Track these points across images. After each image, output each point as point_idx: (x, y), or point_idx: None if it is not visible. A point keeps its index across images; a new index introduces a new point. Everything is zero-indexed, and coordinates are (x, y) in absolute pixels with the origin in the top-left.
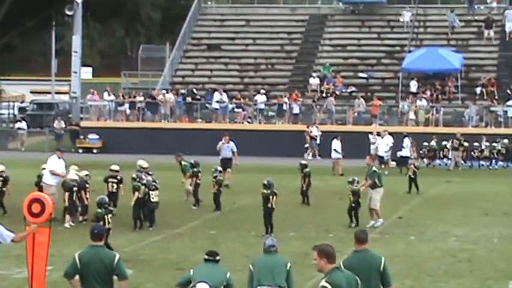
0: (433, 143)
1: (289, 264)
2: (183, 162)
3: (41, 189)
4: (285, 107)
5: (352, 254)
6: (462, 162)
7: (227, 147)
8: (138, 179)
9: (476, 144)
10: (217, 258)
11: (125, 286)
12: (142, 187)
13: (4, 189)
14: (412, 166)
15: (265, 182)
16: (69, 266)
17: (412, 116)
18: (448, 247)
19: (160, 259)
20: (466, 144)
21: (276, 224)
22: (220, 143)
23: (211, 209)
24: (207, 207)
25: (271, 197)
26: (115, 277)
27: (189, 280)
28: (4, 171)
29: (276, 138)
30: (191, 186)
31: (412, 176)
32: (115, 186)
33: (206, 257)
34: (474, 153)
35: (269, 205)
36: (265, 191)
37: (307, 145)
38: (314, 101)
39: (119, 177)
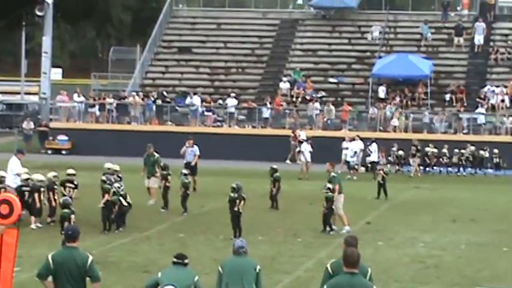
0: (399, 151)
1: (258, 267)
2: (156, 154)
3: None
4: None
5: (341, 260)
6: (418, 168)
7: (191, 151)
8: (108, 181)
9: (444, 150)
10: (186, 261)
11: None
12: (112, 189)
13: None
14: (381, 172)
15: (234, 186)
16: (42, 266)
17: (395, 122)
18: (416, 253)
19: (128, 261)
20: (434, 149)
21: (244, 228)
22: (184, 147)
23: (179, 212)
24: (175, 210)
25: (238, 200)
26: (88, 279)
27: (156, 283)
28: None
29: (246, 142)
30: (157, 188)
31: (381, 182)
32: (71, 191)
33: (174, 259)
34: (443, 159)
35: (236, 209)
36: (232, 195)
37: (298, 149)
38: (296, 106)
39: (75, 182)
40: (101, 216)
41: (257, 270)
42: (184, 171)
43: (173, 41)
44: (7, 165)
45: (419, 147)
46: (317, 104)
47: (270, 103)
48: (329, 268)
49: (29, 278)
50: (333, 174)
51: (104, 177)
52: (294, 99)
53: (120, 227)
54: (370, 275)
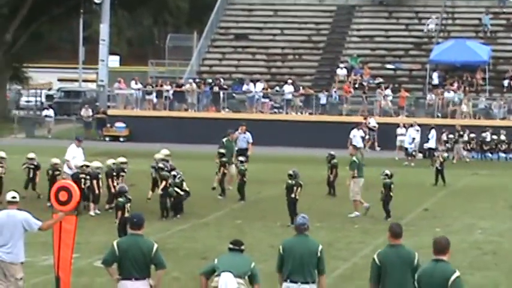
0: (470, 135)
1: (320, 248)
2: (353, 158)
3: (54, 178)
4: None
5: (387, 249)
6: (464, 154)
7: (243, 138)
8: (165, 168)
9: (502, 137)
10: (242, 247)
11: (162, 275)
12: (170, 179)
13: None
14: (439, 158)
15: (291, 172)
16: (108, 253)
17: (464, 108)
18: (474, 239)
19: (186, 248)
20: (471, 135)
21: (303, 213)
22: (237, 133)
23: (236, 199)
24: (232, 197)
25: (295, 187)
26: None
27: (213, 269)
28: (34, 158)
29: (303, 129)
30: (219, 177)
31: (439, 168)
32: (31, 172)
33: (231, 246)
34: (501, 146)
35: (293, 195)
36: (289, 181)
37: (367, 136)
38: (364, 92)
39: (36, 163)
40: (158, 203)
41: (319, 254)
42: (241, 158)
43: (230, 27)
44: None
45: (462, 133)
46: (388, 91)
47: (327, 90)
48: (376, 259)
49: (88, 264)
50: (353, 158)
51: (161, 164)
52: (352, 85)
53: (177, 214)
54: (417, 259)
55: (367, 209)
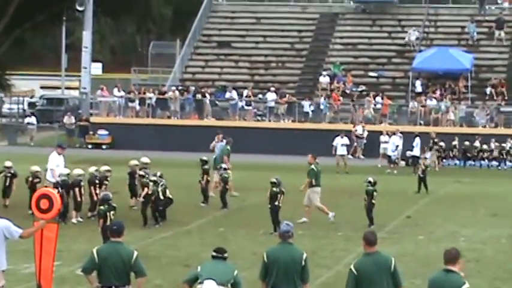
0: (441, 143)
1: (305, 256)
2: (312, 166)
3: (34, 185)
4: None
5: (363, 257)
6: (436, 161)
7: (220, 146)
8: (146, 176)
9: (485, 145)
10: (225, 255)
11: (143, 283)
12: (151, 184)
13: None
14: (421, 165)
15: (274, 180)
16: (87, 261)
17: (451, 116)
18: (457, 247)
19: (169, 256)
20: (441, 144)
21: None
22: (214, 142)
23: (219, 206)
24: (214, 205)
25: (279, 195)
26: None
27: (196, 277)
28: (12, 167)
29: (286, 136)
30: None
31: (421, 176)
32: (8, 180)
33: (214, 253)
34: (483, 153)
35: (276, 203)
36: (274, 189)
37: (355, 144)
38: (353, 100)
39: (12, 171)
40: (140, 210)
41: (303, 263)
42: (224, 165)
43: (213, 35)
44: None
45: (436, 140)
46: (378, 98)
47: (310, 98)
48: (353, 269)
49: (69, 272)
50: (312, 167)
51: (142, 172)
52: (334, 93)
53: (159, 222)
54: (394, 263)
55: (303, 222)
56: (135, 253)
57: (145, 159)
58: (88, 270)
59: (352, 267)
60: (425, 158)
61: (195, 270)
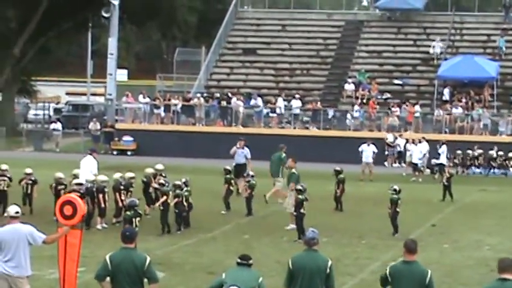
0: (468, 151)
1: (330, 264)
2: (293, 170)
3: (58, 192)
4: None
5: (400, 264)
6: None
7: (241, 153)
8: (166, 184)
9: (511, 154)
10: (250, 262)
11: None
12: (174, 189)
13: (6, 188)
14: (446, 173)
15: (300, 187)
16: (100, 267)
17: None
18: (482, 256)
19: (192, 263)
20: (479, 151)
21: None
22: (235, 147)
23: (243, 213)
24: (239, 212)
25: (305, 202)
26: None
27: (221, 284)
28: (32, 173)
29: (310, 143)
30: (223, 193)
31: (446, 184)
32: (29, 187)
33: (239, 260)
34: (509, 162)
35: (302, 210)
36: (300, 196)
37: (386, 152)
38: (389, 108)
39: (33, 178)
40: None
41: (328, 270)
42: (251, 172)
43: (238, 42)
44: (79, 165)
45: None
46: (417, 107)
47: (335, 106)
48: (387, 272)
49: (93, 278)
50: (293, 171)
51: (162, 180)
52: (359, 100)
53: (181, 228)
54: (430, 277)
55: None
56: (148, 259)
57: (159, 166)
58: (101, 276)
59: (387, 269)
60: (450, 166)
61: (219, 277)
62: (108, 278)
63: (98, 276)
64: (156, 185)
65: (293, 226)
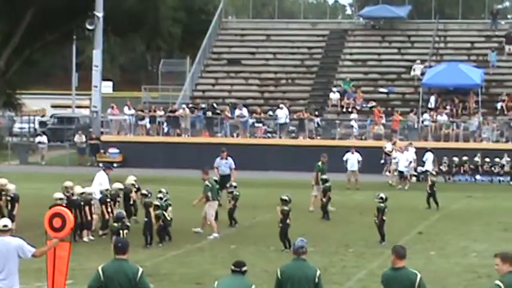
0: (454, 158)
1: (318, 273)
2: (206, 182)
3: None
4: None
5: (390, 271)
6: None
7: (225, 164)
8: (149, 195)
9: (497, 159)
10: (244, 269)
11: None
12: (155, 203)
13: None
14: (428, 181)
15: (286, 198)
16: (93, 279)
17: (485, 134)
18: (469, 262)
19: (180, 273)
20: (463, 158)
21: (296, 238)
22: (218, 159)
23: (227, 224)
24: (225, 222)
25: (290, 213)
26: None
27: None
28: (9, 189)
29: (296, 153)
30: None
31: (429, 191)
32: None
33: (232, 267)
34: (495, 168)
35: (287, 221)
36: (285, 208)
37: (382, 161)
38: (395, 114)
39: (12, 195)
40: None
41: (316, 280)
42: (234, 183)
43: (223, 52)
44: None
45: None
46: (426, 115)
47: (319, 115)
48: (380, 280)
49: None
50: (206, 183)
51: (145, 191)
52: (344, 109)
53: (162, 241)
54: (420, 280)
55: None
56: (141, 270)
57: (132, 177)
58: None
59: (380, 278)
60: (433, 174)
61: (211, 286)
62: None
63: None
64: (144, 191)
65: (216, 235)
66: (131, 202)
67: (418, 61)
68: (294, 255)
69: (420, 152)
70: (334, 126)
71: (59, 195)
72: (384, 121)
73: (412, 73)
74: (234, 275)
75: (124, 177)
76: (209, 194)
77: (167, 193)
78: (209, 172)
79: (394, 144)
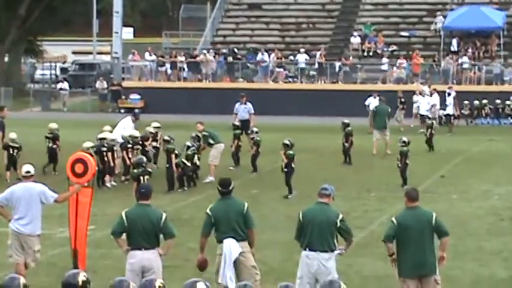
0: (476, 101)
1: (341, 217)
2: (203, 133)
3: (102, 155)
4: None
5: (405, 211)
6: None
7: (244, 109)
8: (171, 141)
9: None
10: (231, 187)
11: (172, 244)
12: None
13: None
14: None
15: (287, 142)
16: (116, 224)
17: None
18: (491, 205)
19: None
20: (484, 101)
21: (318, 183)
22: (237, 104)
23: (250, 169)
24: (247, 168)
25: (294, 157)
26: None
27: (210, 225)
28: (15, 139)
29: (317, 97)
30: (232, 149)
31: (428, 136)
32: (15, 152)
33: (220, 188)
34: None
35: (292, 165)
36: (291, 152)
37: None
38: (435, 61)
39: (18, 145)
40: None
41: (338, 224)
42: (255, 129)
43: None
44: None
45: (403, 100)
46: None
47: (340, 59)
48: (394, 221)
49: (104, 236)
50: (204, 133)
51: (167, 137)
52: (365, 53)
53: (184, 186)
54: (436, 217)
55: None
56: (164, 215)
57: (155, 124)
58: (117, 233)
59: (393, 218)
60: (429, 118)
61: (207, 219)
62: (124, 235)
63: (114, 233)
64: (166, 137)
65: (211, 178)
66: (146, 149)
67: (439, 14)
68: (318, 199)
69: (442, 96)
70: (355, 71)
71: (88, 144)
72: (405, 65)
73: (433, 26)
74: (224, 198)
75: (146, 123)
76: (210, 141)
77: (194, 144)
78: (203, 123)
79: (429, 87)
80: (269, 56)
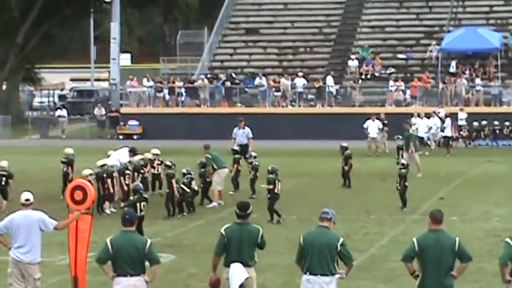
0: (475, 123)
1: (341, 241)
2: (206, 155)
3: (103, 181)
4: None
5: (427, 233)
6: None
7: (242, 133)
8: (172, 167)
9: None
10: (249, 211)
11: (157, 271)
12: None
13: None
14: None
15: (270, 169)
16: (101, 251)
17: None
18: (491, 227)
19: (202, 244)
20: (483, 122)
21: (318, 206)
22: (236, 128)
23: (249, 194)
24: (246, 192)
25: (277, 182)
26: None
27: (224, 246)
28: (5, 167)
29: (315, 121)
30: (232, 174)
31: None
32: (3, 180)
33: (237, 211)
34: None
35: (276, 190)
36: (271, 176)
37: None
38: (445, 83)
39: (7, 172)
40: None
41: (339, 248)
42: (253, 153)
43: (240, 22)
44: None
45: (385, 122)
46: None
47: (338, 83)
48: (415, 242)
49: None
50: (207, 155)
51: (168, 162)
52: (363, 76)
53: (182, 213)
54: (459, 242)
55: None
56: (149, 241)
57: (155, 151)
58: (102, 260)
59: (414, 238)
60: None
61: (220, 238)
62: (109, 262)
63: (99, 260)
64: (168, 162)
65: (215, 204)
66: (145, 175)
67: (434, 43)
68: (319, 222)
69: (453, 117)
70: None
71: (88, 171)
72: (403, 87)
73: (428, 54)
74: (241, 221)
75: (145, 150)
76: (213, 164)
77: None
78: (209, 146)
79: (441, 108)
80: (267, 81)
